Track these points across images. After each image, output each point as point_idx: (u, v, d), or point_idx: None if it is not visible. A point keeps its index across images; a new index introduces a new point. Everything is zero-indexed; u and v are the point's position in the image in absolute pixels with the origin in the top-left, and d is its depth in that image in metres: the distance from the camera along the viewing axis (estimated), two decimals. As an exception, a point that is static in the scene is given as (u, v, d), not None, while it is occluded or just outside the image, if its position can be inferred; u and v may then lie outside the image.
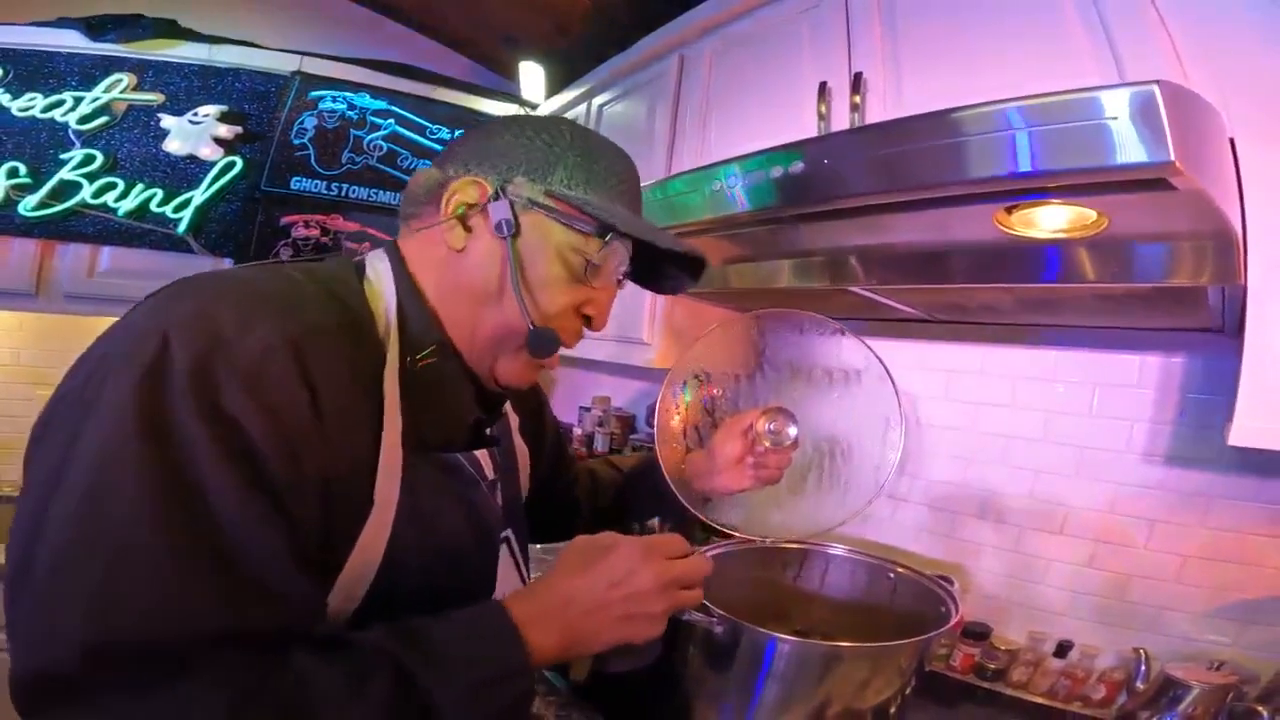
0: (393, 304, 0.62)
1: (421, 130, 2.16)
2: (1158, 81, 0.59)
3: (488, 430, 0.72)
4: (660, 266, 0.72)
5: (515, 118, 0.68)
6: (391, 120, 2.13)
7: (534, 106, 2.29)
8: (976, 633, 1.14)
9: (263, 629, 0.46)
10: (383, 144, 2.12)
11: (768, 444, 0.93)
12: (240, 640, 0.45)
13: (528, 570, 0.79)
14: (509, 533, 0.75)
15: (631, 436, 1.88)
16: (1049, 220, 0.72)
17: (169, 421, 0.45)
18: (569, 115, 2.08)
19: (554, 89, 2.23)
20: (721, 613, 0.91)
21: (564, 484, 0.99)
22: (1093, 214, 0.70)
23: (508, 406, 0.82)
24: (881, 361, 0.97)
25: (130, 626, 0.42)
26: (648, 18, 1.73)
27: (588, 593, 0.59)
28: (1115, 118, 0.60)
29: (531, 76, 2.26)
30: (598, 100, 1.96)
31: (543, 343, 0.62)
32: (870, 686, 0.90)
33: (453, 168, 0.64)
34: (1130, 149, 0.59)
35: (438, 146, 2.18)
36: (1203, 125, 0.67)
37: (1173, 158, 0.58)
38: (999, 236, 0.78)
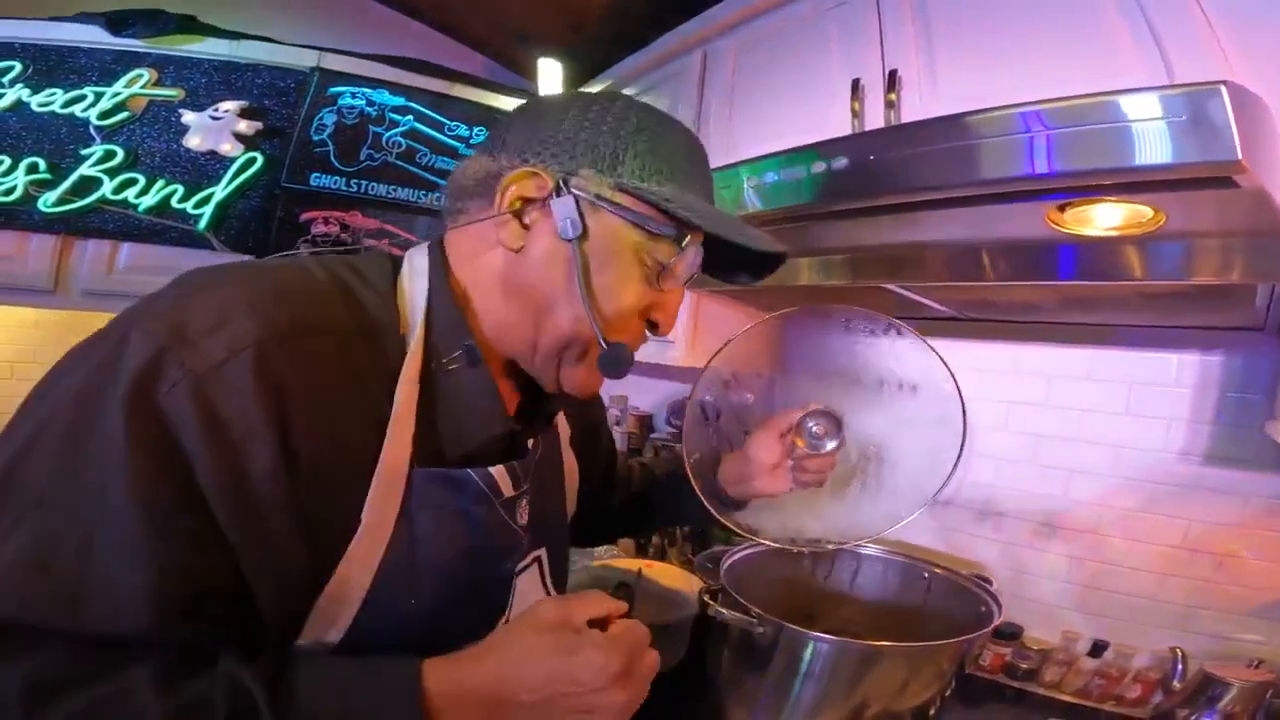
0: (421, 304, 0.57)
1: (440, 127, 2.15)
2: (1224, 82, 0.59)
3: (529, 442, 0.67)
4: (728, 255, 0.65)
5: (572, 96, 0.61)
6: (410, 117, 2.12)
7: (550, 104, 2.29)
8: (1008, 633, 1.14)
9: (96, 634, 0.43)
10: (401, 140, 2.10)
11: (807, 449, 0.88)
12: (68, 638, 0.43)
13: (560, 593, 0.75)
14: (540, 553, 0.70)
15: (651, 435, 1.88)
16: (1104, 218, 0.72)
17: (97, 412, 0.44)
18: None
19: (571, 86, 2.22)
20: (760, 612, 0.91)
21: (609, 493, 0.97)
22: (1149, 211, 0.70)
23: (560, 418, 0.78)
24: (945, 363, 0.92)
25: None
26: (664, 15, 1.72)
27: (533, 689, 0.48)
28: (1182, 117, 0.60)
29: (549, 73, 2.25)
30: (617, 97, 1.95)
31: (614, 362, 0.57)
32: (910, 687, 0.89)
33: (506, 156, 0.58)
34: (1197, 148, 0.60)
35: (455, 143, 2.17)
36: (1261, 124, 0.66)
37: (1240, 156, 0.58)
38: (1049, 234, 0.77)
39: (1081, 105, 0.64)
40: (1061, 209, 0.73)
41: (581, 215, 0.55)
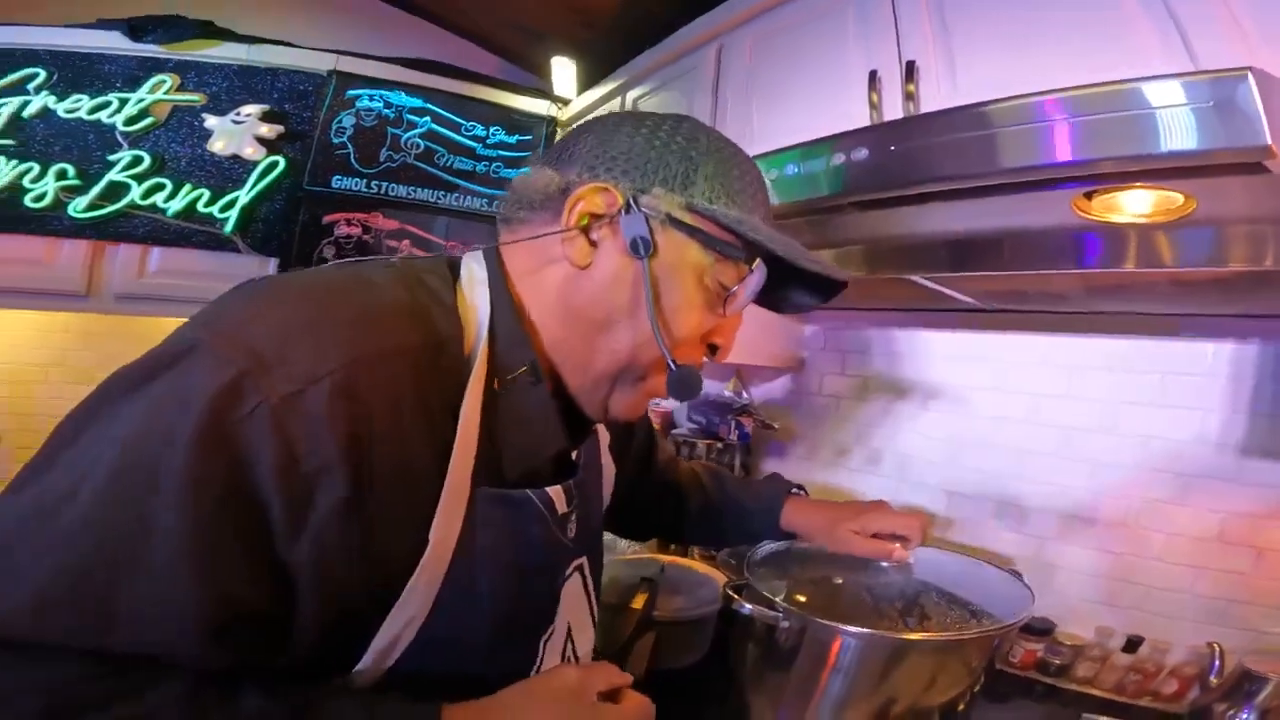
0: (485, 318, 0.56)
1: (457, 128, 2.17)
2: (1249, 68, 0.59)
3: (573, 454, 0.67)
4: (785, 284, 0.64)
5: (641, 115, 0.60)
6: (427, 118, 2.14)
7: (566, 102, 2.29)
8: (1039, 629, 1.12)
9: (123, 654, 0.43)
10: (420, 141, 2.12)
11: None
12: (92, 658, 0.42)
13: (597, 598, 0.75)
14: (582, 561, 0.70)
15: (673, 431, 1.88)
16: (1133, 205, 0.71)
17: (160, 434, 0.43)
18: (604, 110, 2.08)
19: (585, 84, 2.22)
20: (786, 606, 0.90)
21: (649, 489, 0.98)
22: (1179, 198, 0.68)
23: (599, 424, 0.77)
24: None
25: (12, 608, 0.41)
26: (676, 11, 1.71)
27: None
28: (1210, 103, 0.59)
29: (563, 71, 2.26)
30: (632, 94, 1.94)
31: (685, 385, 0.56)
32: (939, 682, 0.88)
33: (575, 171, 0.57)
34: (1226, 134, 0.59)
35: (473, 144, 2.19)
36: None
37: (1269, 141, 0.58)
38: (1076, 221, 0.76)
39: (1109, 92, 0.63)
40: (1089, 196, 0.72)
41: (651, 233, 0.55)
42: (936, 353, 1.46)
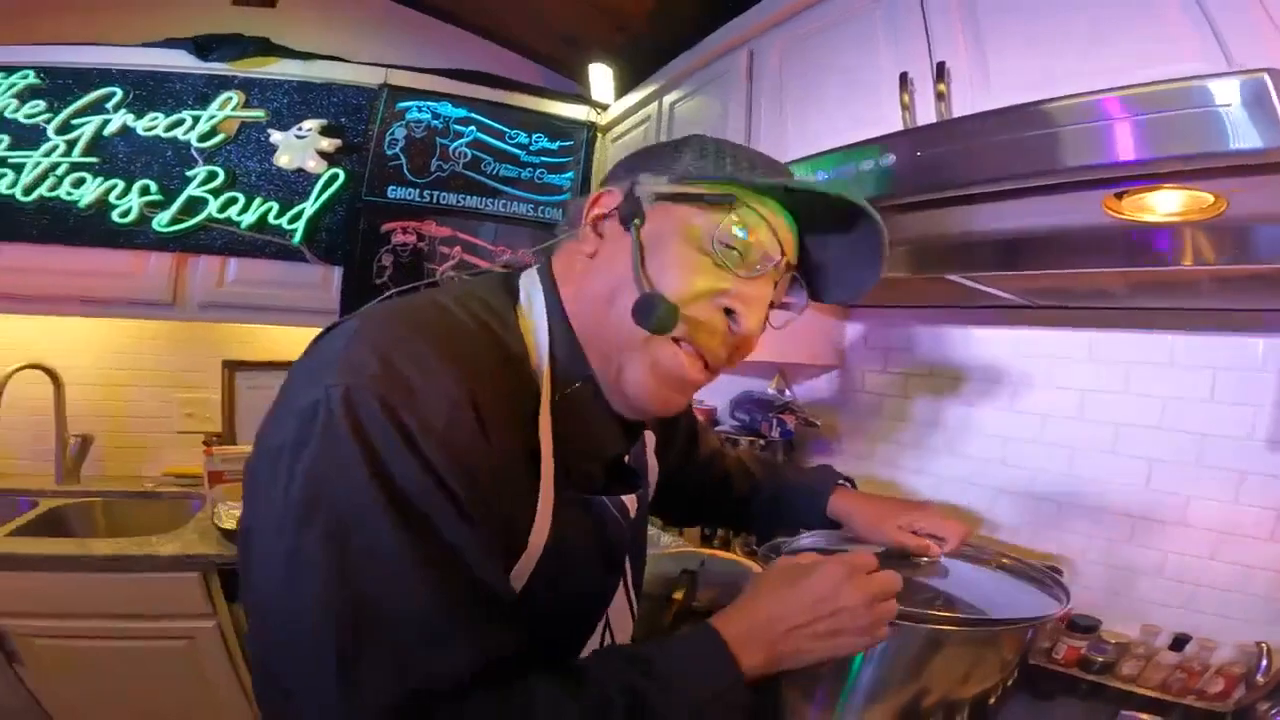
0: (545, 337, 0.62)
1: (501, 135, 2.23)
2: (1268, 70, 0.59)
3: (624, 458, 0.72)
4: (828, 266, 0.66)
5: (651, 145, 0.70)
6: (473, 127, 2.21)
7: (604, 107, 2.33)
8: (1084, 626, 1.11)
9: (505, 654, 0.50)
10: (467, 150, 2.20)
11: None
12: (485, 669, 0.48)
13: (637, 592, 0.79)
14: (624, 560, 0.75)
15: (716, 428, 1.91)
16: (1163, 205, 0.71)
17: (343, 483, 0.47)
18: (641, 114, 2.12)
19: (622, 90, 2.25)
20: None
21: (692, 478, 1.02)
22: (1209, 197, 0.69)
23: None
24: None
25: (389, 675, 0.46)
26: (708, 14, 1.72)
27: (793, 610, 0.59)
28: (1254, 103, 0.59)
29: (600, 77, 2.29)
30: (669, 98, 1.96)
31: (645, 306, 0.56)
32: (971, 674, 0.90)
33: (592, 187, 0.67)
34: (1259, 133, 0.59)
35: (517, 151, 2.25)
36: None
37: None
38: (1106, 221, 0.77)
39: (1162, 91, 0.64)
40: (1119, 196, 0.73)
41: (642, 210, 0.61)
42: (981, 349, 1.46)
